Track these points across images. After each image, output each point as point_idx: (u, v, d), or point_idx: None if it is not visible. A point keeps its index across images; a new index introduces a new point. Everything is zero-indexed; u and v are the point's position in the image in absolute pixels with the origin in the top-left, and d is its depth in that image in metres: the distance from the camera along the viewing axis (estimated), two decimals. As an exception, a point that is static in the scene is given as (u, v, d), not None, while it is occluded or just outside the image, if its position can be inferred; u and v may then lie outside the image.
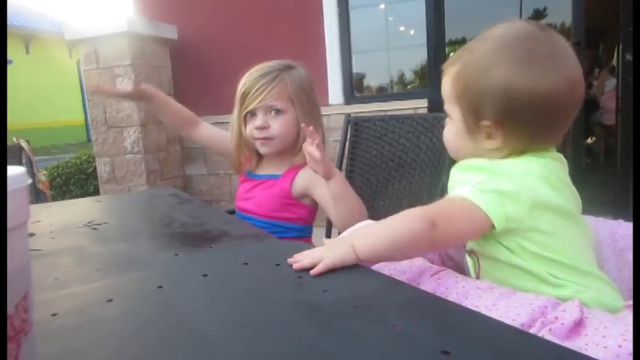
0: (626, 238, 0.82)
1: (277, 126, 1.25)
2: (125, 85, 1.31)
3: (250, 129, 1.27)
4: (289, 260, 0.67)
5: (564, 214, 0.71)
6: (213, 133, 1.47)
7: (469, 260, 0.80)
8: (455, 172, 0.79)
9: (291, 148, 1.30)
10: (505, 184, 0.68)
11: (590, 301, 0.66)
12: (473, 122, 0.75)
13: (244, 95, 1.25)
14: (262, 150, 1.29)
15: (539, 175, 0.70)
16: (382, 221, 0.74)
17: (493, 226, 0.67)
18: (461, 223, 0.69)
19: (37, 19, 15.70)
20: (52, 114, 15.31)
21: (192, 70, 3.70)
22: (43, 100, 14.91)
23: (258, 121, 1.25)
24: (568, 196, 0.73)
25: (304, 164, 1.25)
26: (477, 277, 0.76)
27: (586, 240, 0.74)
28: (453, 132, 0.81)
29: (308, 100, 1.27)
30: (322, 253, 0.65)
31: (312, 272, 0.63)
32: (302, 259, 0.66)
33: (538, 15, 3.83)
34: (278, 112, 1.24)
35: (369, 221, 0.87)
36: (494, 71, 0.70)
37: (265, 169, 1.34)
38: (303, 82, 1.27)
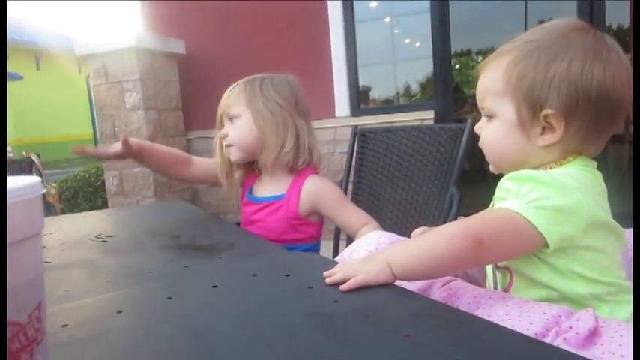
0: (638, 248, 0.81)
1: (232, 132, 1.25)
2: (112, 146, 1.22)
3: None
4: (325, 273, 0.65)
5: (613, 230, 0.69)
6: (209, 166, 1.38)
7: (498, 275, 0.76)
8: (507, 183, 0.72)
9: (268, 150, 1.23)
10: (564, 201, 0.64)
11: (621, 316, 0.65)
12: (530, 114, 0.71)
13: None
14: (230, 158, 1.29)
15: (592, 188, 0.68)
16: (421, 237, 0.71)
17: (545, 246, 0.64)
18: (509, 240, 0.66)
19: (47, 35, 15.95)
20: (61, 128, 15.47)
21: (200, 84, 3.74)
22: (52, 115, 15.09)
23: (222, 130, 1.28)
24: (609, 209, 0.70)
25: (304, 177, 1.26)
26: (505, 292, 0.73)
27: (621, 252, 0.72)
28: (499, 130, 0.75)
29: (265, 102, 1.22)
30: (356, 268, 0.63)
31: (341, 288, 0.60)
32: (336, 272, 0.64)
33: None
34: (234, 118, 1.25)
35: (388, 234, 0.85)
36: (564, 58, 0.69)
37: (266, 190, 1.30)
38: (264, 87, 1.24)
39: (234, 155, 1.27)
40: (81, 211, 4.06)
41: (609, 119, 0.71)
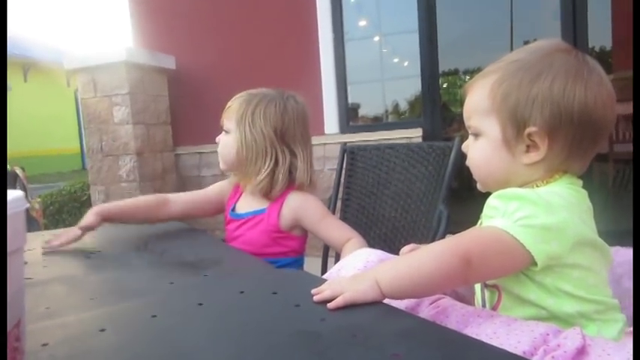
0: (624, 265, 0.82)
1: (221, 143, 1.32)
2: (72, 234, 1.13)
3: None
4: (313, 291, 0.64)
5: (599, 248, 0.70)
6: (189, 199, 1.37)
7: (487, 293, 0.76)
8: (494, 201, 0.72)
9: (245, 174, 1.28)
10: (551, 220, 0.65)
11: (609, 335, 0.65)
12: (515, 132, 0.72)
13: None
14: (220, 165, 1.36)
15: (578, 206, 0.69)
16: (409, 256, 0.71)
17: (533, 264, 0.65)
18: (498, 259, 0.66)
19: (36, 48, 15.89)
20: (48, 142, 15.33)
21: (189, 99, 3.73)
22: (39, 129, 14.96)
23: (219, 135, 1.33)
24: (595, 227, 0.71)
25: (286, 193, 1.26)
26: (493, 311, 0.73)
27: (607, 270, 0.73)
28: (485, 148, 0.77)
29: (252, 129, 1.24)
30: (344, 286, 0.63)
31: (329, 306, 0.60)
32: (324, 289, 0.63)
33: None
34: (226, 131, 1.31)
35: (376, 251, 0.85)
36: (546, 77, 0.70)
37: (248, 205, 1.31)
38: (257, 111, 1.25)
39: (220, 164, 1.34)
40: (66, 226, 3.98)
41: (592, 138, 0.72)
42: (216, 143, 1.33)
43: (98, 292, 0.76)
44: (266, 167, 1.24)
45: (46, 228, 3.74)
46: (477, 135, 0.78)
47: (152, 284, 0.80)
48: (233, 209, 1.35)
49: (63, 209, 4.23)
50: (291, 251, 1.28)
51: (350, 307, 0.60)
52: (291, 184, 1.27)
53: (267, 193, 1.26)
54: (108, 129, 3.39)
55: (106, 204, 1.26)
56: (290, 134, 1.27)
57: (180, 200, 1.35)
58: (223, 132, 1.31)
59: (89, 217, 1.16)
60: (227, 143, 1.29)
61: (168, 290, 0.75)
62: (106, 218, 1.20)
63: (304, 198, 1.27)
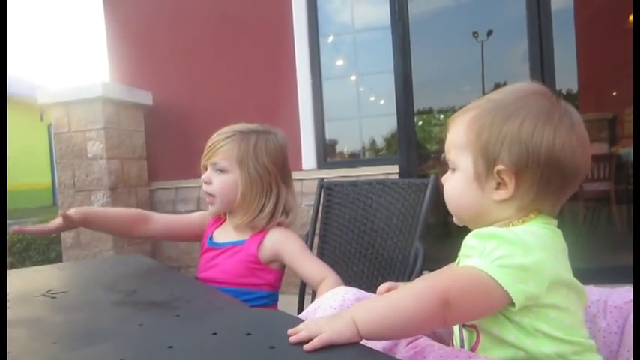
0: (597, 304, 0.83)
1: (217, 184, 1.25)
2: (52, 222, 1.17)
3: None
4: (289, 331, 0.63)
5: (574, 288, 0.70)
6: (171, 220, 1.39)
7: (465, 333, 0.76)
8: (472, 240, 0.73)
9: (247, 212, 1.25)
10: (528, 259, 0.65)
11: None
12: (485, 169, 0.74)
13: (205, 150, 1.29)
14: (209, 208, 1.30)
15: (553, 246, 0.70)
16: (387, 296, 0.70)
17: (511, 304, 0.65)
18: (476, 300, 0.66)
19: (9, 81, 15.72)
20: (18, 177, 14.95)
21: (166, 134, 3.72)
22: (10, 163, 14.61)
23: (204, 175, 1.27)
24: (569, 267, 0.72)
25: (270, 228, 1.26)
26: (472, 351, 0.72)
27: (583, 310, 0.73)
28: (459, 182, 0.78)
29: (256, 166, 1.23)
30: (321, 326, 0.61)
31: (305, 347, 0.59)
32: (300, 329, 0.62)
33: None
34: (221, 171, 1.25)
35: (353, 289, 0.84)
36: (517, 118, 0.72)
37: (228, 236, 1.30)
38: (259, 148, 1.24)
39: (216, 206, 1.28)
40: (33, 264, 3.84)
41: (561, 181, 0.73)
42: (193, 179, 1.32)
43: (62, 336, 0.73)
44: (270, 203, 1.24)
45: (13, 266, 3.59)
46: (454, 169, 0.80)
47: (120, 326, 0.77)
48: (211, 237, 1.33)
49: (31, 247, 4.08)
50: (266, 284, 1.27)
51: (326, 348, 0.59)
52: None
53: (262, 228, 1.25)
54: (81, 164, 3.33)
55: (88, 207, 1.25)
56: (286, 167, 1.29)
57: (162, 220, 1.36)
58: (215, 172, 1.25)
59: (71, 211, 1.16)
60: (226, 182, 1.24)
61: (138, 332, 0.72)
62: (87, 219, 1.20)
63: (286, 233, 1.28)
